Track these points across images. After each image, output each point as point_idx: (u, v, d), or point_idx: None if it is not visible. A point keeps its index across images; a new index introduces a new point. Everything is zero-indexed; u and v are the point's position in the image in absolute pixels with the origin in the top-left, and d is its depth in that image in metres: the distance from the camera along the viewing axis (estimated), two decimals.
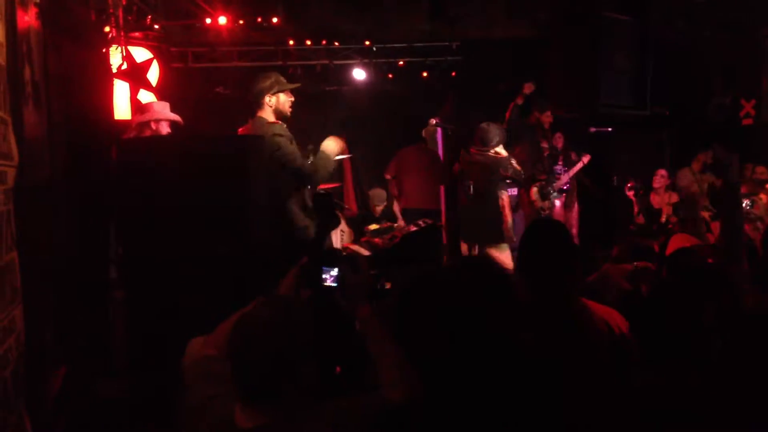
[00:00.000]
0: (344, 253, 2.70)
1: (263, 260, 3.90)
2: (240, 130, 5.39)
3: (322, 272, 2.58)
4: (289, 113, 5.31)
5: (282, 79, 5.32)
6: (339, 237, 7.75)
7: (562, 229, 3.49)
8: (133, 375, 4.05)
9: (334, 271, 2.57)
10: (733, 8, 8.57)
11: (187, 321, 2.75)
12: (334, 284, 2.57)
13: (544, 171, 8.43)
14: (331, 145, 5.30)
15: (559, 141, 8.76)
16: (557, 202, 8.65)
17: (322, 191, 5.19)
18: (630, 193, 9.19)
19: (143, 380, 3.89)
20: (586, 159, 8.63)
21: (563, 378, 2.08)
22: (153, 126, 5.68)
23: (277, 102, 5.22)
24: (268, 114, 5.22)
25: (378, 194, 9.61)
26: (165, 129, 5.71)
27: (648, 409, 2.24)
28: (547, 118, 8.31)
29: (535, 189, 8.17)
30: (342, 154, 5.41)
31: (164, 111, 5.81)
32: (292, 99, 5.32)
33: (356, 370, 2.46)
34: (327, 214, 3.58)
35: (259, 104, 5.22)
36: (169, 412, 2.62)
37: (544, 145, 8.49)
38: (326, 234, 3.43)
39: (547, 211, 8.15)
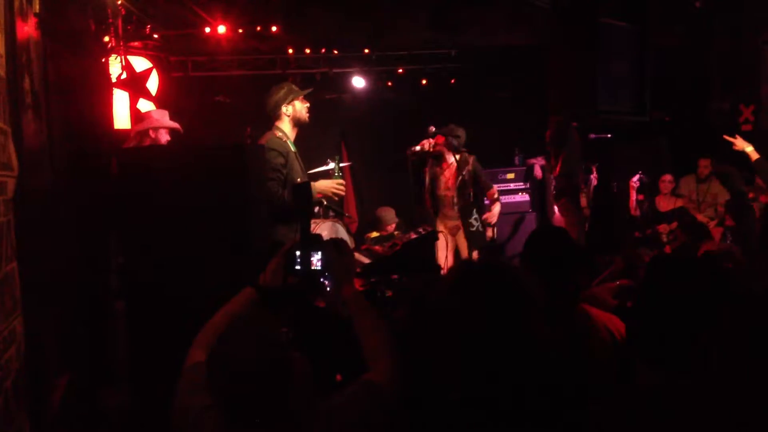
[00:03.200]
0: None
1: (264, 269, 3.90)
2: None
3: (307, 258, 2.60)
4: (307, 118, 5.44)
5: (294, 87, 5.45)
6: None
7: (565, 236, 3.49)
8: (134, 384, 4.04)
9: (319, 255, 2.59)
10: (731, 15, 8.59)
11: (188, 330, 2.74)
12: (319, 268, 2.59)
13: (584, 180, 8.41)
14: (320, 186, 5.40)
15: None
16: (555, 209, 8.65)
17: (301, 183, 5.21)
18: (633, 194, 9.18)
19: (145, 390, 3.89)
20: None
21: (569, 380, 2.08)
22: (152, 134, 5.68)
23: (294, 110, 5.35)
24: (286, 123, 5.33)
25: (387, 213, 9.29)
26: (164, 137, 5.71)
27: (650, 411, 2.24)
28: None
29: (583, 195, 8.17)
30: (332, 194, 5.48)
31: (162, 119, 5.82)
32: (308, 104, 5.46)
33: (357, 377, 2.46)
34: (305, 203, 3.59)
35: (277, 115, 5.33)
36: (170, 422, 2.61)
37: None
38: (308, 222, 3.44)
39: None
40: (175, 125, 5.82)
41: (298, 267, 2.63)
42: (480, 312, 1.75)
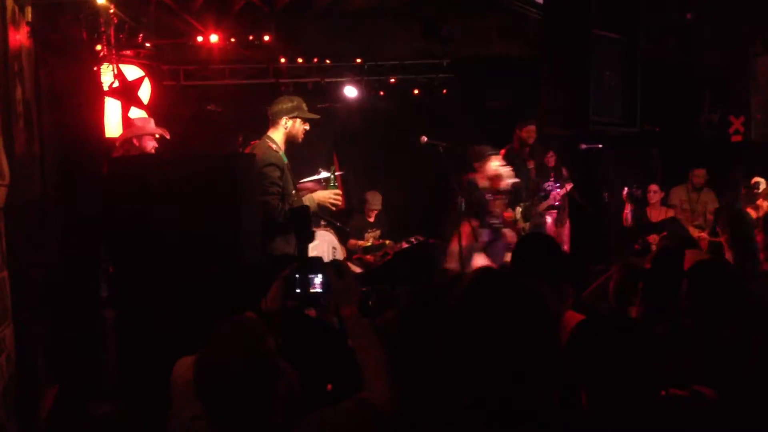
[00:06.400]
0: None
1: (254, 279, 3.90)
2: (251, 143, 5.43)
3: (306, 281, 2.59)
4: (300, 140, 5.44)
5: (304, 106, 5.45)
6: (331, 253, 7.74)
7: (551, 244, 3.52)
8: (123, 394, 4.03)
9: (319, 278, 2.58)
10: (722, 27, 8.64)
11: (177, 340, 2.74)
12: (320, 290, 2.58)
13: (531, 192, 8.33)
14: (317, 197, 5.40)
15: (551, 160, 8.74)
16: (548, 219, 8.63)
17: (300, 205, 5.23)
18: (627, 208, 9.18)
19: (134, 400, 3.87)
20: (569, 187, 8.66)
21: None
22: (135, 143, 5.66)
23: (293, 126, 5.35)
24: (279, 134, 5.34)
25: (374, 197, 9.54)
26: (149, 143, 5.68)
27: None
28: (527, 134, 8.22)
29: (519, 209, 8.06)
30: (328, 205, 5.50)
31: (146, 126, 5.78)
32: (307, 127, 5.46)
33: (348, 388, 2.45)
34: (304, 226, 3.60)
35: (275, 123, 5.33)
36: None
37: (530, 165, 8.38)
38: (306, 245, 3.46)
39: (528, 231, 8.05)
40: (159, 130, 5.80)
41: (298, 290, 2.62)
42: (497, 318, 1.75)
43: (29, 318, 3.12)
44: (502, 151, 8.06)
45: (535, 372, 1.72)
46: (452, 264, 6.90)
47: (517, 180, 7.29)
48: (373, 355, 2.33)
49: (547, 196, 8.46)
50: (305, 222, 3.56)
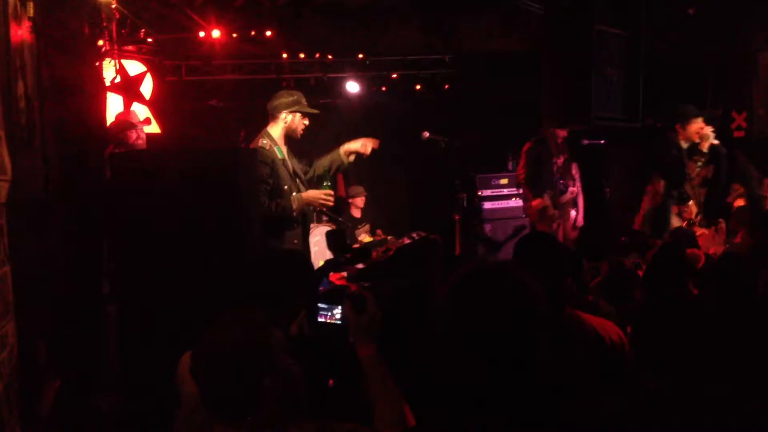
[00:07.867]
0: (350, 291, 2.59)
1: (257, 273, 3.90)
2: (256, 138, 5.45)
3: (318, 309, 2.55)
4: (299, 135, 5.44)
5: (304, 101, 5.45)
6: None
7: (550, 241, 3.53)
8: (126, 389, 4.03)
9: (339, 310, 2.51)
10: (724, 22, 8.63)
11: (179, 335, 2.75)
12: (339, 322, 2.52)
13: (553, 185, 8.28)
14: (307, 196, 5.37)
15: (561, 159, 8.64)
16: (573, 213, 8.54)
17: (335, 228, 5.24)
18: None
19: (137, 394, 3.88)
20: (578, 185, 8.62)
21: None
22: (120, 137, 5.67)
23: (292, 121, 5.35)
24: (278, 129, 5.34)
25: (354, 190, 9.52)
26: (133, 136, 5.67)
27: (649, 417, 2.25)
28: (562, 132, 8.15)
29: (547, 195, 7.98)
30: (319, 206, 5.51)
31: (123, 120, 5.79)
32: (307, 122, 5.44)
33: (349, 384, 2.45)
34: (339, 251, 3.55)
35: (274, 117, 5.34)
36: (163, 426, 2.61)
37: (558, 160, 8.30)
38: (329, 272, 3.43)
39: (558, 220, 7.99)
40: (139, 123, 5.79)
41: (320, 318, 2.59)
42: (483, 318, 1.73)
43: (32, 312, 3.12)
44: (529, 144, 8.03)
45: (524, 373, 1.71)
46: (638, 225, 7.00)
47: (716, 142, 7.02)
48: (387, 396, 2.26)
49: (565, 191, 8.39)
50: (339, 246, 3.48)
